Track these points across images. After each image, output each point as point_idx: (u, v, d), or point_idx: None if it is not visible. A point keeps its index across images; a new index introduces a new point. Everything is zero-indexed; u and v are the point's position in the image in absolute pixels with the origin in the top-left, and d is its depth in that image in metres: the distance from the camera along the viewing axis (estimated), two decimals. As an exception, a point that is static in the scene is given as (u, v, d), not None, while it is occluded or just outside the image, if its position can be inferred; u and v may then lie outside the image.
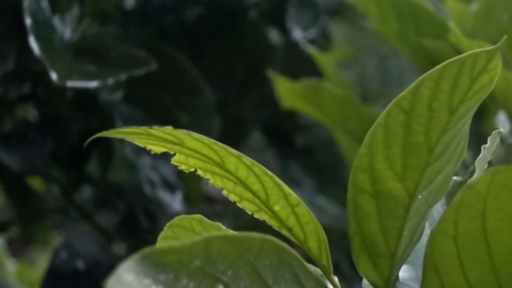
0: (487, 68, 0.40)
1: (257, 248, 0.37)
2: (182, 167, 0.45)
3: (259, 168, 0.43)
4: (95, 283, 0.95)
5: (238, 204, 0.46)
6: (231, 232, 0.46)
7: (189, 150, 0.44)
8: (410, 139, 0.40)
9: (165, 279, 0.35)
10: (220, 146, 0.43)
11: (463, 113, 0.40)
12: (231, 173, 0.44)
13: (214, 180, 0.45)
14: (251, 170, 0.43)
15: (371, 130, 0.41)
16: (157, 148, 0.44)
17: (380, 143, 0.41)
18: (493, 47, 0.40)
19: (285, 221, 0.44)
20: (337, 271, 1.14)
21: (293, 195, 0.44)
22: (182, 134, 0.43)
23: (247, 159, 0.43)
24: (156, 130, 0.43)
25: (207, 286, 0.36)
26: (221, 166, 0.44)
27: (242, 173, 0.44)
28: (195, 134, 0.43)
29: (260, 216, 0.45)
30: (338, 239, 1.05)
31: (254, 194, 0.44)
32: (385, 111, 0.40)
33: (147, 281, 0.34)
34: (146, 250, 0.35)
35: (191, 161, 0.44)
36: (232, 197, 0.45)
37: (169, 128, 0.42)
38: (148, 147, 0.45)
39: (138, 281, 0.34)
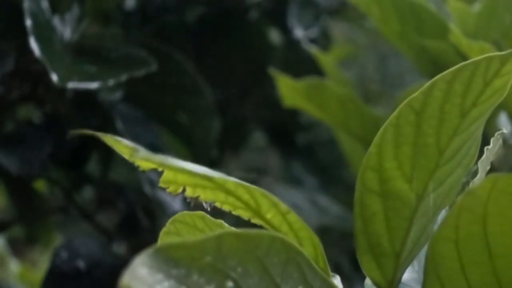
0: (501, 73, 0.40)
1: (267, 245, 0.37)
2: (171, 188, 0.45)
3: (244, 183, 0.44)
4: (96, 282, 0.95)
5: (233, 213, 0.46)
6: (234, 229, 0.46)
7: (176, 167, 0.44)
8: (420, 140, 0.40)
9: (176, 274, 0.35)
10: (203, 168, 0.43)
11: (475, 117, 0.40)
12: (220, 185, 0.44)
13: (205, 195, 0.45)
14: (238, 183, 0.44)
15: (381, 129, 0.41)
16: (145, 165, 0.44)
17: (390, 143, 0.41)
18: (508, 51, 0.39)
19: (279, 229, 0.45)
20: (338, 270, 1.14)
21: (282, 204, 0.44)
22: (161, 158, 0.43)
23: (231, 178, 0.43)
24: (140, 155, 0.42)
25: (217, 282, 0.36)
26: (210, 179, 0.44)
27: (230, 185, 0.44)
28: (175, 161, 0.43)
29: (257, 221, 0.46)
30: (339, 239, 1.05)
31: (245, 204, 0.45)
32: (397, 110, 0.40)
33: (159, 276, 0.34)
34: (160, 244, 0.35)
35: (179, 177, 0.45)
36: (226, 207, 0.46)
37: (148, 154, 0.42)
38: (137, 163, 0.45)
39: (151, 275, 0.34)
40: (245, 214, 0.45)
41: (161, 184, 0.45)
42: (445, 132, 0.40)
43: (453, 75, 0.39)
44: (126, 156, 0.44)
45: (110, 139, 0.44)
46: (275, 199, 0.44)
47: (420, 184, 0.42)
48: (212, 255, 0.36)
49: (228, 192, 0.44)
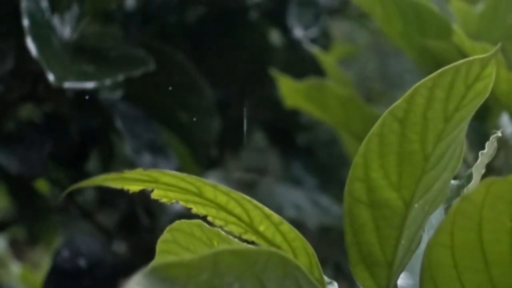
0: (482, 76, 0.39)
1: (264, 261, 0.37)
2: (163, 200, 0.45)
3: (236, 193, 0.43)
4: (96, 281, 0.95)
5: (225, 228, 0.46)
6: (231, 246, 0.46)
7: (165, 185, 0.44)
8: (405, 148, 0.40)
9: (172, 293, 0.35)
10: (194, 178, 0.43)
11: (458, 121, 0.40)
12: (211, 201, 0.44)
13: (197, 209, 0.45)
14: (229, 196, 0.44)
15: (366, 139, 0.41)
16: (134, 188, 0.45)
17: (375, 153, 0.41)
18: (487, 54, 0.39)
19: (272, 240, 0.45)
20: (338, 270, 1.13)
21: (274, 215, 0.44)
22: (154, 172, 0.43)
23: (223, 187, 0.43)
24: (128, 174, 0.43)
25: (213, 299, 0.36)
26: (200, 195, 0.44)
27: (222, 199, 0.44)
28: (167, 171, 0.43)
29: (248, 237, 0.46)
30: (339, 238, 1.04)
31: (237, 217, 0.44)
32: (380, 120, 0.40)
33: (155, 296, 0.34)
34: (156, 263, 0.35)
35: (170, 194, 0.45)
36: (218, 222, 0.46)
37: (139, 170, 0.43)
38: (126, 187, 0.45)
39: (147, 295, 0.34)
40: (236, 230, 0.45)
41: (153, 197, 0.45)
42: (430, 138, 0.40)
43: (434, 81, 0.39)
44: (115, 184, 0.44)
45: (95, 180, 0.44)
46: (267, 210, 0.44)
47: (407, 191, 0.42)
48: (208, 272, 0.35)
49: (219, 206, 0.44)
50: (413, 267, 0.46)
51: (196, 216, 0.48)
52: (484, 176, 0.47)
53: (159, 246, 0.48)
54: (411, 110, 0.39)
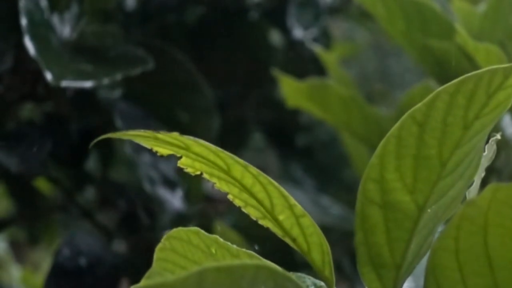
0: (504, 85, 0.39)
1: (252, 275, 0.37)
2: (188, 170, 0.45)
3: (265, 177, 0.43)
4: (97, 280, 0.95)
5: (243, 209, 0.46)
6: (230, 244, 0.45)
7: (195, 155, 0.44)
8: (422, 152, 0.40)
9: (157, 314, 0.34)
10: (226, 154, 0.43)
11: (478, 129, 0.40)
12: (237, 180, 0.44)
13: (220, 185, 0.45)
14: (257, 179, 0.43)
15: (383, 140, 0.41)
16: (163, 151, 0.44)
17: (391, 154, 0.41)
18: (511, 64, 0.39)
19: (289, 231, 0.44)
20: (339, 270, 1.13)
21: (298, 206, 0.44)
22: (188, 140, 0.43)
23: (253, 168, 0.43)
24: (163, 135, 0.42)
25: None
26: (227, 172, 0.44)
27: (248, 181, 0.43)
28: (201, 141, 0.43)
29: (265, 223, 0.45)
30: (340, 238, 1.04)
31: (259, 202, 0.44)
32: (399, 122, 0.40)
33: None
34: (139, 285, 0.34)
35: (197, 165, 0.44)
36: (237, 202, 0.45)
37: (175, 134, 0.42)
38: (155, 148, 0.44)
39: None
40: (254, 213, 0.45)
41: (179, 165, 0.44)
42: (448, 144, 0.40)
43: (456, 87, 0.39)
44: (146, 143, 0.44)
45: (127, 134, 0.43)
46: (292, 200, 0.44)
47: (421, 196, 0.41)
48: (194, 291, 0.35)
49: (243, 188, 0.44)
50: (417, 270, 0.46)
51: (196, 221, 0.48)
52: (485, 178, 0.47)
53: (157, 254, 0.48)
54: (431, 115, 0.39)
